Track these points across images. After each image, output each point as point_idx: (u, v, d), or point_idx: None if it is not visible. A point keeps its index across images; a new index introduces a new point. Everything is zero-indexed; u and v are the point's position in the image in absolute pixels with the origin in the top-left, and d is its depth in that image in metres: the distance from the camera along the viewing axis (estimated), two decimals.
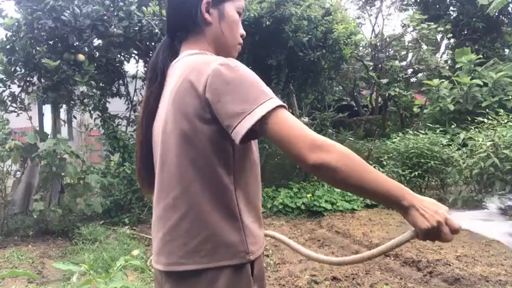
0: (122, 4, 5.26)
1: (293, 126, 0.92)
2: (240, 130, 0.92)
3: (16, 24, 4.84)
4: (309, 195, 5.79)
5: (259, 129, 0.93)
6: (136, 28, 5.33)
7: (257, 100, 0.93)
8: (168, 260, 1.04)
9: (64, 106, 6.02)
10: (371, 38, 11.07)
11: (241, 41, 1.20)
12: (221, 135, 0.99)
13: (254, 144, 1.12)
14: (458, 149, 5.55)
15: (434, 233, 0.92)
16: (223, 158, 1.01)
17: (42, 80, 5.17)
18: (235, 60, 1.01)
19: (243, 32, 1.21)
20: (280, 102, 0.94)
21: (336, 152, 0.89)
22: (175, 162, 1.02)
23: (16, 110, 5.26)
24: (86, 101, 5.71)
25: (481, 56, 9.02)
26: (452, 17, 12.22)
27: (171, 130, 1.03)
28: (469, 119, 6.12)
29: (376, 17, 12.02)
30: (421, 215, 0.91)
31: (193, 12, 1.11)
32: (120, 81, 6.22)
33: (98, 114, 5.83)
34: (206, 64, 0.99)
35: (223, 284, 1.00)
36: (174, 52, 1.17)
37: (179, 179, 1.02)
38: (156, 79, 1.14)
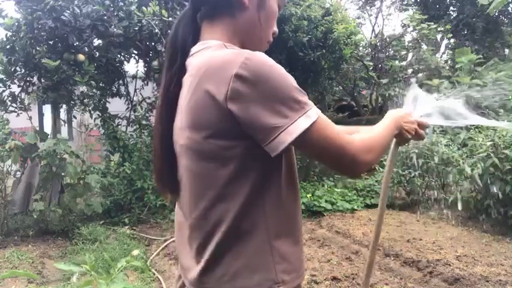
0: (122, 4, 5.26)
1: (333, 137, 0.85)
2: (277, 146, 0.81)
3: (16, 24, 4.84)
4: (308, 195, 5.79)
5: (297, 144, 0.84)
6: (136, 28, 5.32)
7: (295, 112, 0.81)
8: (199, 279, 0.94)
9: (64, 106, 6.02)
10: (371, 38, 11.07)
11: (271, 39, 1.03)
12: (247, 150, 0.86)
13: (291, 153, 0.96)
14: (458, 149, 5.55)
15: (414, 137, 1.16)
16: (249, 174, 0.87)
17: (42, 80, 5.17)
18: (260, 56, 0.83)
19: (276, 30, 1.03)
20: (318, 111, 0.85)
21: (374, 149, 0.92)
22: (193, 179, 0.91)
23: (16, 110, 5.25)
24: (86, 101, 5.71)
25: (481, 56, 9.01)
26: (452, 17, 12.21)
27: (186, 143, 0.90)
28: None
29: (376, 17, 12.01)
30: (406, 131, 1.12)
31: None
32: (120, 81, 6.22)
33: (98, 114, 5.83)
34: (225, 66, 0.82)
35: None
36: (195, 29, 0.98)
37: (199, 198, 0.91)
38: (175, 60, 0.96)
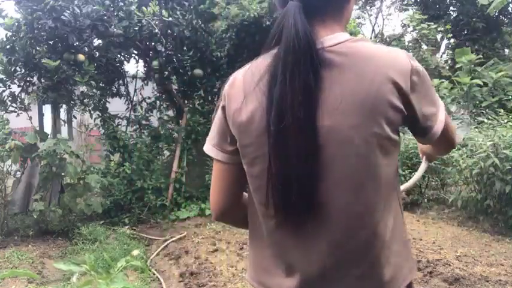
0: (122, 4, 5.26)
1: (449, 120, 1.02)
2: (438, 129, 0.95)
3: (16, 24, 4.83)
4: None
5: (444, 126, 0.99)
6: (136, 28, 5.33)
7: (438, 101, 0.97)
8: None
9: (64, 106, 6.01)
10: (371, 38, 11.07)
11: None
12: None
13: None
14: (458, 149, 5.55)
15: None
16: (397, 169, 0.97)
17: (42, 80, 5.17)
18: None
19: None
20: None
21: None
22: (379, 177, 0.87)
23: (16, 110, 5.25)
24: (86, 101, 5.71)
25: (481, 56, 9.00)
26: (452, 17, 12.21)
27: (364, 140, 0.84)
28: (469, 119, 6.13)
29: (376, 17, 12.03)
30: None
31: None
32: (120, 81, 6.21)
33: (98, 114, 5.83)
34: (400, 60, 0.88)
35: None
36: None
37: (383, 196, 0.89)
38: (304, 59, 0.83)
